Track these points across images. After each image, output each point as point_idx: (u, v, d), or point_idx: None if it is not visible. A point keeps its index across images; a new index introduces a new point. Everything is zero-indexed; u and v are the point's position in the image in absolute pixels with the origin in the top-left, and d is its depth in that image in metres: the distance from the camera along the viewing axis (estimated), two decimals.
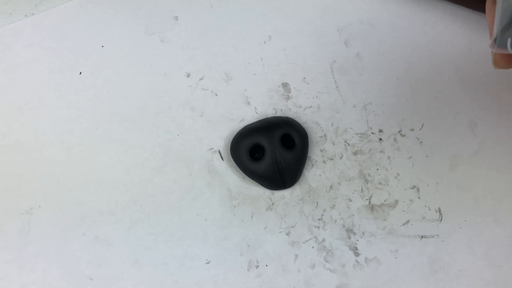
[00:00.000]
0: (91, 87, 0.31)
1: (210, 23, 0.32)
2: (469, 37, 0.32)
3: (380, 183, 0.31)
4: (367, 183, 0.31)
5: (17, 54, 0.31)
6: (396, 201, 0.31)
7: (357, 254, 0.30)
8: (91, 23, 0.32)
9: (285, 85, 0.32)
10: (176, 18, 0.32)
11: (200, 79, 0.32)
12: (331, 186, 0.31)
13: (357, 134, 0.31)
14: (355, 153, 0.31)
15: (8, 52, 0.31)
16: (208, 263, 0.30)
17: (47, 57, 0.31)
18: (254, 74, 0.32)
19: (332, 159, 0.31)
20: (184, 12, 0.32)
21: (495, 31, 0.19)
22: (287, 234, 0.30)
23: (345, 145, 0.31)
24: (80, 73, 0.31)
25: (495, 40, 0.19)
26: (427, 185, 0.31)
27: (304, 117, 0.32)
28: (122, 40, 0.32)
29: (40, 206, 0.30)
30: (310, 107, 0.32)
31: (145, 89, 0.31)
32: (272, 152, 0.29)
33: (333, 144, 0.31)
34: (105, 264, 0.30)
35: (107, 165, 0.31)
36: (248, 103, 0.32)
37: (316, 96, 0.32)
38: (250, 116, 0.32)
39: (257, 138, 0.30)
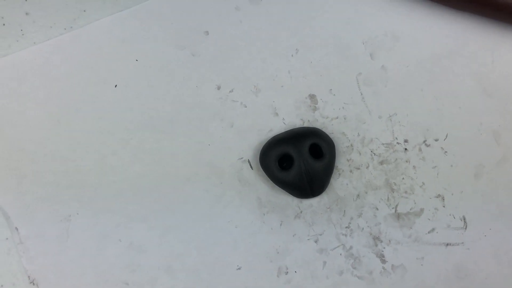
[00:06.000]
0: (125, 100, 0.33)
1: (239, 37, 0.33)
2: (491, 48, 0.33)
3: (405, 192, 0.32)
4: (393, 192, 0.32)
5: (55, 68, 0.33)
6: (422, 210, 0.32)
7: (383, 261, 0.31)
8: (125, 38, 0.33)
9: (312, 97, 0.33)
10: (207, 33, 0.33)
11: (230, 91, 0.33)
12: (358, 195, 0.32)
13: (383, 144, 0.32)
14: (381, 163, 0.32)
15: (47, 66, 0.33)
16: (238, 269, 0.31)
17: (84, 71, 0.33)
18: (282, 86, 0.33)
19: (358, 169, 0.32)
20: (214, 27, 0.33)
21: None
22: (315, 242, 0.31)
23: (371, 155, 0.32)
24: (116, 86, 0.33)
25: None
26: (452, 194, 0.32)
27: (330, 128, 0.32)
28: (155, 54, 0.33)
29: (77, 213, 0.31)
30: (337, 117, 0.33)
31: (177, 101, 0.33)
32: (300, 161, 0.30)
33: (360, 154, 0.32)
34: (140, 270, 0.31)
35: (141, 174, 0.32)
36: (276, 114, 0.33)
37: (343, 107, 0.33)
38: (278, 126, 0.33)
39: (285, 148, 0.31)
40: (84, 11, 0.34)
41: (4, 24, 0.33)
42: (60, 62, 0.33)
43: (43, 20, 0.33)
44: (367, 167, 0.32)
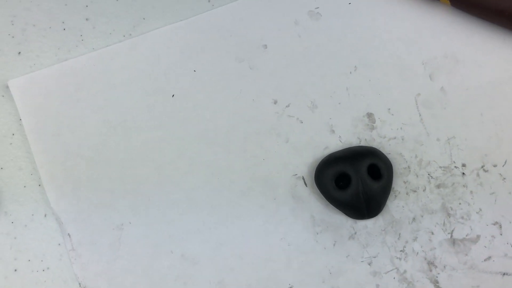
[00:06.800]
0: (183, 110, 0.33)
1: (298, 52, 0.33)
2: None
3: (462, 218, 0.31)
4: (449, 217, 0.31)
5: (113, 75, 0.33)
6: (478, 236, 0.31)
7: None
8: (184, 48, 0.33)
9: (369, 115, 0.32)
10: (265, 46, 0.33)
11: (286, 106, 0.33)
12: (413, 218, 0.31)
13: (440, 167, 0.32)
14: (438, 186, 0.31)
15: (106, 73, 0.33)
16: (291, 287, 0.30)
17: (141, 79, 0.33)
18: (339, 103, 0.33)
19: (415, 191, 0.31)
20: (273, 41, 0.33)
21: None
22: (369, 264, 0.31)
23: (429, 178, 0.32)
24: (173, 95, 0.33)
25: None
26: (510, 222, 0.31)
27: (388, 148, 0.32)
28: (213, 65, 0.33)
29: (130, 223, 0.31)
30: (394, 138, 0.32)
31: (233, 114, 0.32)
32: (358, 181, 0.30)
33: (417, 176, 0.32)
34: (191, 282, 0.31)
35: (196, 186, 0.32)
36: (333, 131, 0.32)
37: (401, 128, 0.32)
38: (334, 144, 0.32)
39: (343, 167, 0.30)
40: (144, 19, 0.34)
41: (64, 29, 0.33)
42: (118, 69, 0.33)
43: (102, 26, 0.34)
44: (423, 190, 0.31)
